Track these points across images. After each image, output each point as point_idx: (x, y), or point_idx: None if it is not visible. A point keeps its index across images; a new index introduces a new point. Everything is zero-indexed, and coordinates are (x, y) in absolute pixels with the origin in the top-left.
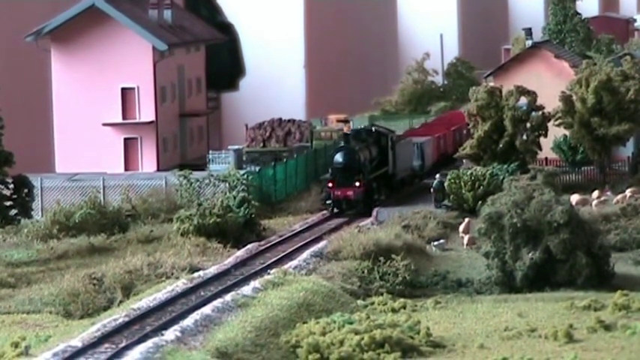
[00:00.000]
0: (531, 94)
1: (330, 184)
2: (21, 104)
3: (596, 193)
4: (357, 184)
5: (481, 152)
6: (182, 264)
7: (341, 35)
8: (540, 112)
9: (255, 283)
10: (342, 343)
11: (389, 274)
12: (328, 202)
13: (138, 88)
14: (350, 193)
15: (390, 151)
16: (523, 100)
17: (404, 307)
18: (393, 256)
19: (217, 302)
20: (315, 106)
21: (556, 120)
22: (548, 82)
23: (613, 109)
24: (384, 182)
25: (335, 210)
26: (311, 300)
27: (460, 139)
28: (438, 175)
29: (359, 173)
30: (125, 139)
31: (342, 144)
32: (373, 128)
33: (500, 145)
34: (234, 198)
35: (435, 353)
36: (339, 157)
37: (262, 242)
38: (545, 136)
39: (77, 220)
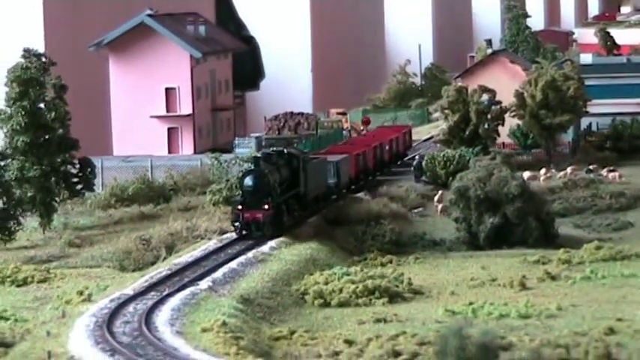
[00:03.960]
0: (491, 92)
1: (240, 207)
2: (85, 101)
3: (543, 171)
4: (266, 206)
5: (452, 138)
6: (214, 228)
7: (340, 45)
8: (499, 106)
9: (272, 243)
10: (341, 290)
11: (378, 236)
12: (237, 224)
13: (178, 87)
14: (259, 215)
15: (301, 171)
16: (485, 97)
17: (390, 262)
18: (382, 221)
19: (241, 258)
20: (319, 102)
21: (511, 112)
22: (505, 82)
23: (557, 104)
24: (297, 202)
25: (244, 232)
26: (316, 256)
27: (381, 155)
28: (417, 157)
29: (268, 196)
30: (168, 129)
31: (252, 167)
32: (285, 150)
33: (467, 133)
34: None
35: (415, 298)
36: (248, 181)
37: None
38: (503, 125)
39: (130, 193)
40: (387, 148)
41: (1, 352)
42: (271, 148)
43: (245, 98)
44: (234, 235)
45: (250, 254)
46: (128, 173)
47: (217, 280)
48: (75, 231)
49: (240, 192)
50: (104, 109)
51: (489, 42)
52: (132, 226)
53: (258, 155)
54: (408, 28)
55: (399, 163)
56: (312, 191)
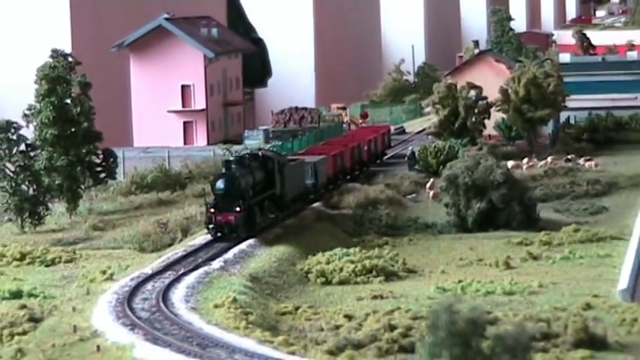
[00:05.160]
0: (478, 88)
1: (212, 210)
2: (108, 97)
3: (526, 160)
4: (238, 209)
5: (442, 130)
6: None
7: (341, 46)
8: (485, 101)
9: (277, 228)
10: (341, 269)
11: (375, 220)
12: (211, 226)
13: (193, 85)
14: (231, 218)
15: (277, 173)
16: (472, 93)
17: (386, 244)
18: (378, 206)
19: (250, 240)
20: (321, 98)
21: (496, 107)
22: (491, 79)
23: (538, 99)
24: (273, 203)
25: (218, 234)
26: (318, 238)
27: (360, 155)
28: (410, 147)
29: (240, 198)
30: (184, 122)
31: (223, 170)
32: (260, 153)
33: (456, 125)
34: None
35: (409, 277)
36: (220, 184)
37: None
38: (489, 118)
39: (149, 181)
40: (365, 148)
41: (30, 326)
42: (245, 152)
43: (254, 94)
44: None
45: (259, 237)
46: (147, 163)
47: (228, 260)
48: (98, 215)
49: (213, 195)
50: (125, 104)
51: (476, 43)
52: (150, 211)
53: (231, 159)
54: (402, 31)
55: (378, 162)
56: (288, 192)
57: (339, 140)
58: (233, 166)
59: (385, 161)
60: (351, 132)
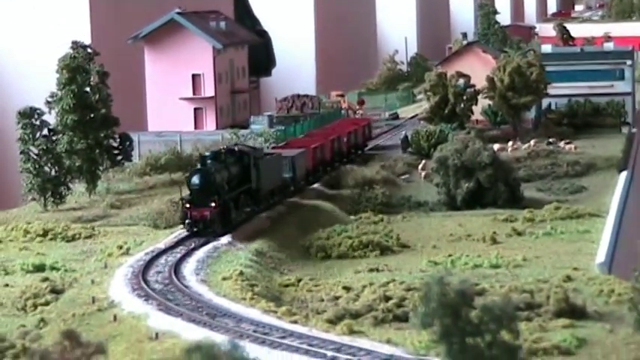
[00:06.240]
0: (466, 77)
1: (188, 205)
2: (125, 85)
3: (510, 143)
4: (213, 204)
5: (433, 116)
6: None
7: (339, 38)
8: (472, 89)
9: (281, 206)
10: (340, 244)
11: (371, 198)
12: (187, 221)
13: (203, 74)
14: (206, 213)
15: (252, 168)
16: (461, 81)
17: (382, 220)
18: (374, 186)
19: (255, 218)
20: (322, 86)
21: (483, 94)
22: (478, 68)
23: (522, 87)
24: (250, 197)
25: (194, 229)
26: (319, 216)
27: (339, 147)
28: (404, 132)
29: (215, 194)
30: (195, 109)
31: (199, 166)
32: (236, 148)
33: (446, 111)
34: (268, 147)
35: (403, 251)
36: (195, 180)
37: None
38: (476, 104)
39: (162, 163)
40: (345, 140)
41: (52, 298)
42: (222, 147)
43: (259, 83)
44: None
45: (263, 215)
46: (161, 146)
47: (236, 236)
48: (116, 195)
49: (188, 190)
50: (140, 92)
51: (464, 35)
52: (164, 191)
53: (206, 154)
54: (396, 24)
55: (359, 152)
56: (265, 186)
57: (319, 132)
58: (208, 161)
59: (381, 145)
60: (333, 124)
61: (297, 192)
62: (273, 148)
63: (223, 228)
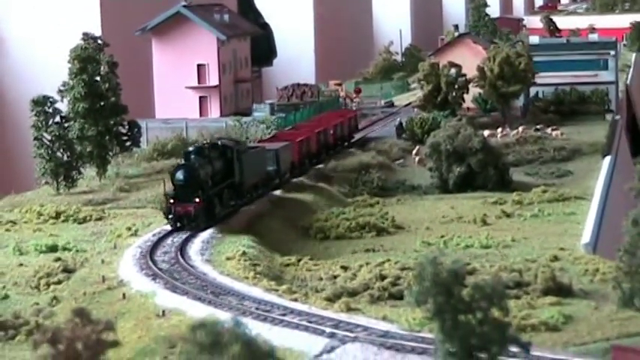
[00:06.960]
0: (458, 67)
1: (172, 200)
2: (133, 75)
3: (500, 129)
4: (197, 200)
5: (426, 104)
6: None
7: (337, 30)
8: (464, 78)
9: (280, 190)
10: (338, 226)
11: (368, 182)
12: (170, 217)
13: (208, 64)
14: (190, 209)
15: (235, 162)
16: (453, 71)
17: (377, 203)
18: (370, 170)
19: (257, 202)
20: (321, 75)
21: (474, 83)
22: (469, 59)
23: (510, 76)
24: (233, 191)
25: (178, 225)
26: (318, 199)
27: (325, 139)
28: (398, 119)
29: (199, 189)
30: (200, 97)
31: (182, 161)
32: (219, 142)
33: (439, 99)
34: (269, 134)
35: (398, 232)
36: (179, 175)
37: None
38: (467, 93)
39: (169, 148)
40: (331, 132)
41: (64, 277)
42: (204, 142)
43: (261, 72)
44: None
45: (265, 198)
46: (167, 132)
47: (237, 220)
48: (125, 179)
49: (172, 185)
50: (148, 81)
51: (456, 27)
52: None
53: (190, 150)
54: (391, 17)
55: (345, 144)
56: (248, 180)
57: (306, 125)
58: (192, 156)
59: (376, 130)
60: (319, 117)
61: (281, 185)
62: (259, 141)
63: (207, 223)
